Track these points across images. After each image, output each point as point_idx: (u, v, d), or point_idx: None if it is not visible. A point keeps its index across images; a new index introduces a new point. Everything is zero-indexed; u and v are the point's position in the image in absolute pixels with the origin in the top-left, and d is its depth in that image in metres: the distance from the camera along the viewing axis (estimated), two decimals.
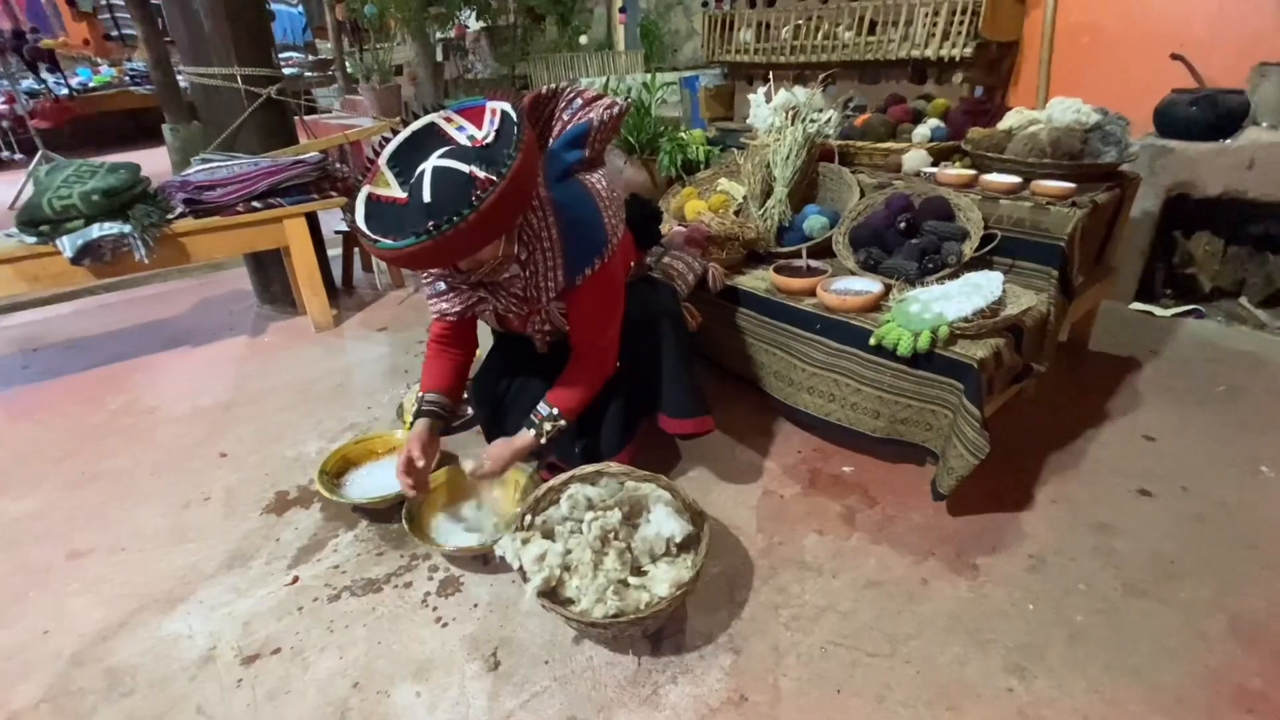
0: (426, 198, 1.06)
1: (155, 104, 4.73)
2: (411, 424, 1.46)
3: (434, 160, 1.09)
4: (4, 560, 1.51)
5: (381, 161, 1.15)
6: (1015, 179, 1.79)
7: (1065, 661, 1.18)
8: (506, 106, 1.15)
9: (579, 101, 1.39)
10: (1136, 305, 2.58)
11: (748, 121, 2.55)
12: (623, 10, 5.87)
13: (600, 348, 1.42)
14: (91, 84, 6.69)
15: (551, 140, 1.39)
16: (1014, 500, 1.56)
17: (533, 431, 1.40)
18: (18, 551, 1.53)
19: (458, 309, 1.38)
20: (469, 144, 1.14)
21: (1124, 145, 1.84)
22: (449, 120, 1.17)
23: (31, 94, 5.60)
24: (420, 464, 1.39)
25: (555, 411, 1.40)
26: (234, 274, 3.23)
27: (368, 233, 1.08)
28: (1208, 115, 2.33)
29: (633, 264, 1.57)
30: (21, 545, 1.55)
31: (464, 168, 1.08)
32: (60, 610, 1.36)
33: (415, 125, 1.18)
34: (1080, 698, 1.11)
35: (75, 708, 1.16)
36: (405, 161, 1.14)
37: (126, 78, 6.91)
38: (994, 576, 1.36)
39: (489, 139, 1.14)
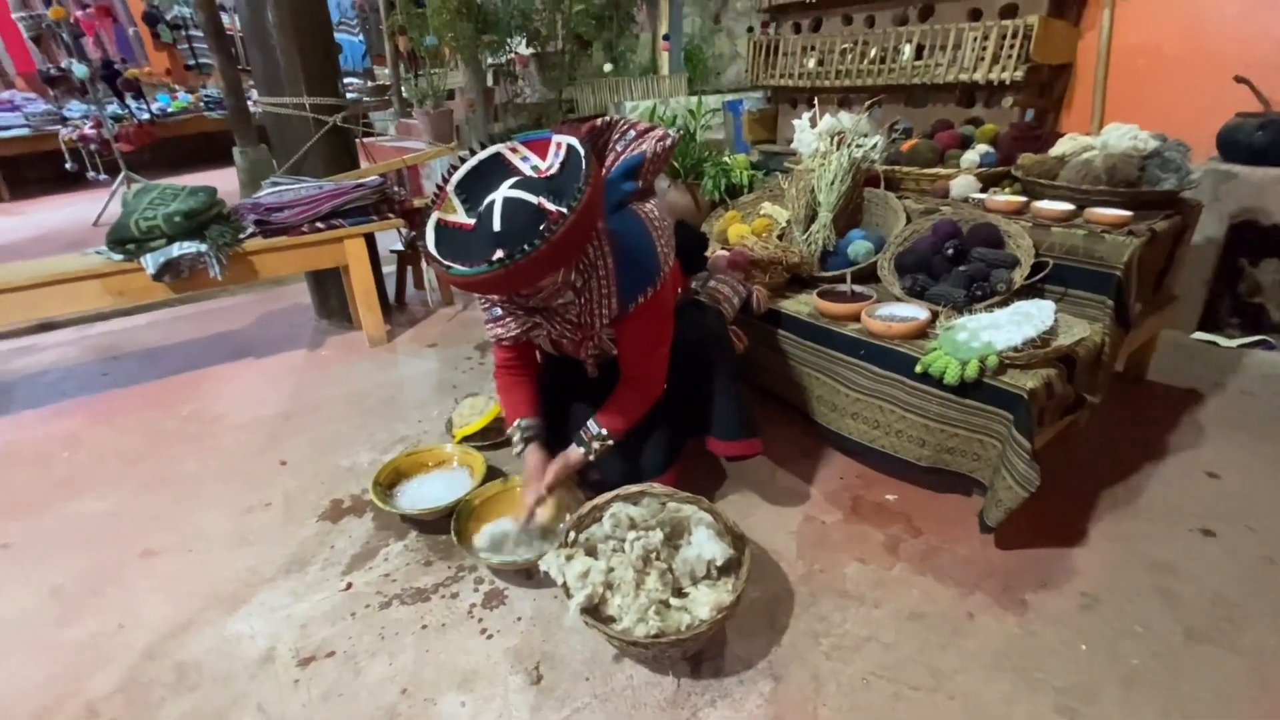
0: (496, 226, 1.11)
1: (226, 127, 5.04)
2: (519, 452, 1.51)
3: (504, 190, 1.14)
4: (85, 556, 1.61)
5: (449, 189, 1.21)
6: (1068, 206, 1.76)
7: (1119, 706, 1.14)
8: (574, 141, 1.20)
9: (632, 133, 1.44)
10: (1200, 335, 2.48)
11: (792, 145, 2.57)
12: (666, 38, 5.99)
13: (648, 371, 1.46)
14: (170, 109, 7.16)
15: (607, 171, 1.44)
16: (1066, 535, 1.52)
17: (582, 449, 1.45)
18: (97, 548, 1.64)
19: (514, 333, 1.44)
20: (534, 174, 1.20)
21: (1184, 172, 1.79)
22: (514, 151, 1.23)
23: (116, 118, 6.01)
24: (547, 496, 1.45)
25: (604, 432, 1.45)
26: (294, 289, 3.40)
27: (439, 258, 1.14)
28: (1274, 140, 2.25)
29: (680, 291, 1.61)
30: (100, 542, 1.66)
31: (532, 199, 1.13)
32: (134, 605, 1.45)
33: (482, 155, 1.24)
34: None
35: (145, 699, 1.23)
36: (472, 189, 1.20)
37: (201, 103, 7.36)
38: (1044, 614, 1.32)
39: (553, 170, 1.19)
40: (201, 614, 1.42)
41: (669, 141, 1.41)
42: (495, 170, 1.22)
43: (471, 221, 1.17)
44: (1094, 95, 2.91)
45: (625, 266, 1.32)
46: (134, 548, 1.63)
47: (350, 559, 1.55)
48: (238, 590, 1.48)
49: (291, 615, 1.40)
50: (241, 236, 2.35)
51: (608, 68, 5.60)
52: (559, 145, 1.20)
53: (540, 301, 1.33)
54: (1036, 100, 2.96)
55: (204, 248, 2.22)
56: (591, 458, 1.46)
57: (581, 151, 1.17)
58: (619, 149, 1.44)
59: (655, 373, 1.47)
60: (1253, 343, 2.39)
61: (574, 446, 1.47)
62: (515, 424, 1.52)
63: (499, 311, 1.44)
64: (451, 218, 1.19)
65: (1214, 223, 2.34)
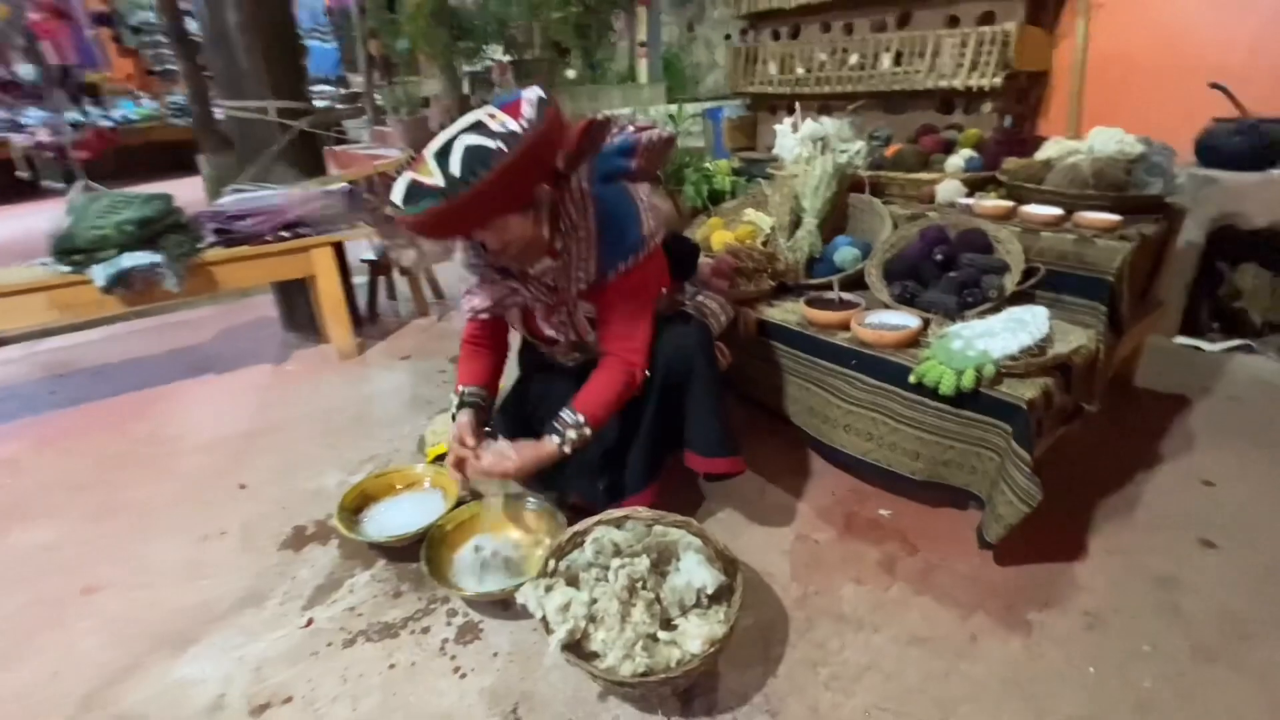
0: (455, 170, 1.10)
1: (193, 136, 4.87)
2: (454, 416, 1.46)
3: (465, 138, 1.13)
4: (19, 594, 1.48)
5: (427, 153, 1.17)
6: (1056, 211, 1.73)
7: None
8: (539, 91, 1.18)
9: (630, 128, 1.45)
10: (1182, 339, 2.47)
11: (773, 152, 2.53)
12: (643, 45, 5.96)
13: (628, 349, 1.38)
14: (133, 117, 6.95)
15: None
16: (1066, 550, 1.47)
17: (556, 439, 1.35)
18: (33, 585, 1.51)
19: (489, 303, 1.42)
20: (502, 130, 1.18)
21: (1170, 176, 1.78)
22: (492, 117, 1.18)
23: (76, 125, 5.81)
24: (472, 454, 1.39)
25: (580, 418, 1.34)
26: (260, 300, 3.25)
27: (398, 205, 1.15)
28: (1252, 145, 2.26)
29: (664, 291, 1.53)
30: (37, 578, 1.52)
31: (491, 143, 1.11)
32: (72, 649, 1.33)
33: (460, 121, 1.20)
34: None
35: None
36: (447, 153, 1.17)
37: (167, 111, 7.16)
38: (1049, 635, 1.26)
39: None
40: (146, 657, 1.29)
41: (667, 135, 1.44)
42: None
43: (443, 183, 1.13)
44: (1070, 102, 2.92)
45: (607, 232, 1.32)
46: (75, 584, 1.50)
47: (313, 591, 1.44)
48: (187, 629, 1.35)
49: (245, 656, 1.28)
50: (200, 246, 2.22)
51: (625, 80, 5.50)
52: (529, 100, 1.17)
53: (516, 263, 1.32)
54: (1015, 107, 2.96)
55: (158, 258, 2.09)
56: (567, 448, 1.34)
57: (545, 95, 1.16)
58: (617, 141, 1.45)
59: (635, 351, 1.38)
60: (1234, 347, 2.39)
61: (547, 436, 1.36)
62: (460, 389, 1.49)
63: (477, 278, 1.42)
64: (425, 179, 1.15)
65: (1193, 227, 2.34)
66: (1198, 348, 2.42)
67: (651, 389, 1.44)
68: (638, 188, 1.40)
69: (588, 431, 1.35)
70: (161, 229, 2.14)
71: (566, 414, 1.36)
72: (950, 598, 1.36)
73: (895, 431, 1.53)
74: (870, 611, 1.33)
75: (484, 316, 1.46)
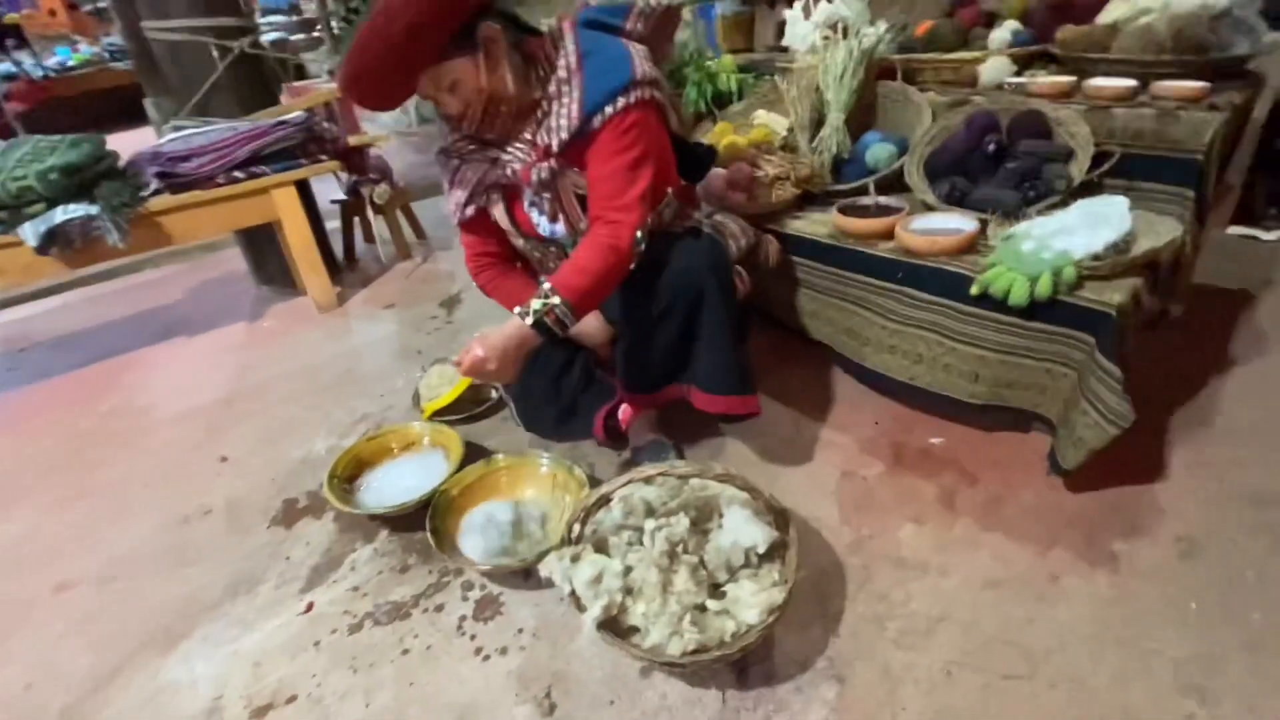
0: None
1: (135, 78, 4.42)
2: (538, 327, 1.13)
3: None
4: None
5: None
6: (1129, 82, 1.48)
7: (1252, 675, 0.95)
8: None
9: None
10: (1236, 229, 2.26)
11: (784, 43, 2.23)
12: None
13: (614, 207, 1.14)
14: (71, 63, 6.39)
15: None
16: (1143, 468, 1.32)
17: (516, 310, 1.13)
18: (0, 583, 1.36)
19: (471, 189, 1.26)
20: None
21: (1258, 33, 1.52)
22: None
23: (8, 77, 5.33)
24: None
25: (546, 286, 1.12)
26: (229, 254, 3.00)
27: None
28: None
29: (670, 191, 1.30)
30: (4, 576, 1.38)
31: None
32: (46, 655, 1.19)
33: None
34: None
35: None
36: None
37: (106, 54, 6.58)
38: (1138, 568, 1.13)
39: None
40: (130, 659, 1.16)
41: (669, 2, 1.24)
42: None
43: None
44: None
45: (590, 67, 1.15)
46: (45, 580, 1.35)
47: (310, 571, 1.30)
48: (174, 624, 1.21)
49: (240, 651, 1.14)
50: (143, 194, 1.96)
51: None
52: None
53: (492, 129, 1.19)
54: None
55: (95, 210, 1.84)
56: (529, 319, 1.10)
57: None
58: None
59: (622, 209, 1.15)
60: None
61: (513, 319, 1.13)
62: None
63: (455, 162, 1.28)
64: None
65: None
66: (1254, 236, 2.21)
67: (655, 311, 1.24)
68: (632, 42, 1.21)
69: (555, 300, 1.10)
70: (94, 176, 1.88)
71: (544, 283, 1.14)
72: (1022, 532, 1.21)
73: (950, 351, 1.35)
74: (934, 554, 1.19)
75: (470, 211, 1.29)
